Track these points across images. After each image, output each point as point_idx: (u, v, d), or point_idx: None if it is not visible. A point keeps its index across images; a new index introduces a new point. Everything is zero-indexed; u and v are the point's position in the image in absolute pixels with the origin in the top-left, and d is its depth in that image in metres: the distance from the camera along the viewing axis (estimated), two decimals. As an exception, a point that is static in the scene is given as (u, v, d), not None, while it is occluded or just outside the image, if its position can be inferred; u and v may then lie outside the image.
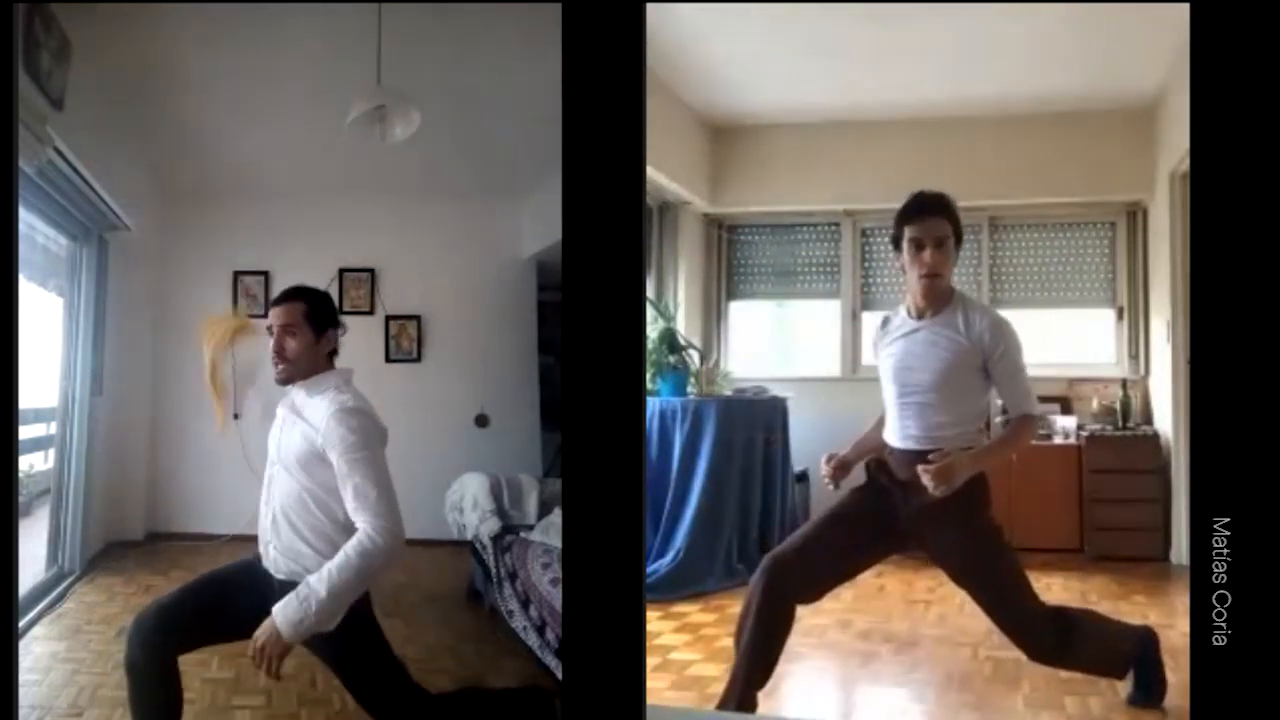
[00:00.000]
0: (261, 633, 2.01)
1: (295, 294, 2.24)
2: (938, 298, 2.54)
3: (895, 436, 2.57)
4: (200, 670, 2.82)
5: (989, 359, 2.49)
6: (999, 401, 2.65)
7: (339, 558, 2.02)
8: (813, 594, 2.58)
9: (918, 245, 2.50)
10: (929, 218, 2.50)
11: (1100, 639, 2.66)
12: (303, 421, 2.15)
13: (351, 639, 2.13)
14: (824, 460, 2.66)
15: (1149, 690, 2.66)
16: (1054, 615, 2.61)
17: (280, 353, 2.18)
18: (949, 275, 2.55)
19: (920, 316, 2.56)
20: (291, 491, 2.16)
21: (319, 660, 2.24)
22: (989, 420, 2.67)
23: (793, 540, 2.59)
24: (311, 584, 2.00)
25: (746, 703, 2.48)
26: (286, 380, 2.20)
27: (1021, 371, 2.53)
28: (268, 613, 2.06)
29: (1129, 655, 2.68)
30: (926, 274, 2.50)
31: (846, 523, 2.56)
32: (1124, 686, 2.73)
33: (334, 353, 2.26)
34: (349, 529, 2.08)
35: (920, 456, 2.47)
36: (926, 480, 2.37)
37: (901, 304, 2.65)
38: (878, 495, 2.56)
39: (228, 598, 2.20)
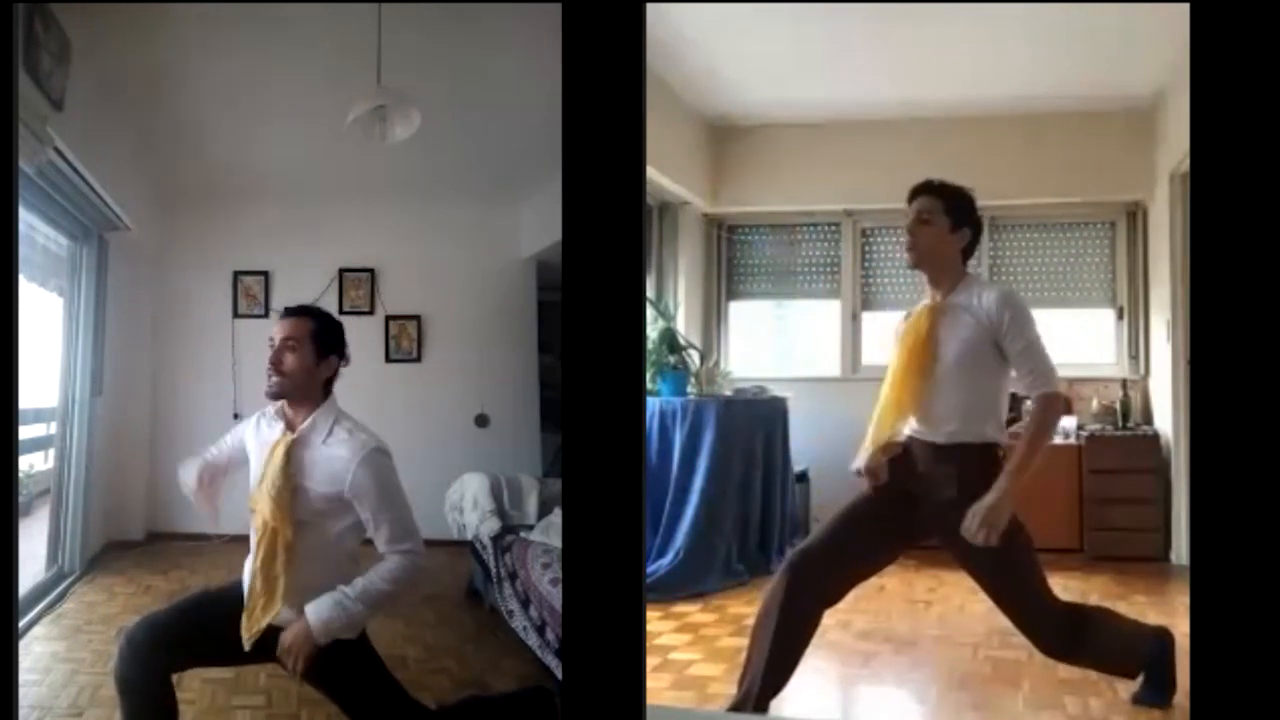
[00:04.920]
0: (291, 633, 2.02)
1: (304, 311, 2.20)
2: (938, 273, 2.54)
3: (911, 425, 2.54)
4: (200, 670, 2.81)
5: (999, 333, 2.44)
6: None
7: (383, 570, 2.06)
8: (835, 594, 2.54)
9: (908, 228, 2.55)
10: (917, 199, 2.56)
11: (1116, 638, 2.64)
12: (313, 480, 2.07)
13: (348, 667, 2.11)
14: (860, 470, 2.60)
15: (1160, 691, 2.63)
16: (1069, 611, 2.59)
17: (278, 365, 2.10)
18: (936, 248, 2.53)
19: (933, 300, 2.55)
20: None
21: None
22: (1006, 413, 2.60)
23: (814, 540, 2.55)
24: (347, 591, 2.03)
25: (763, 706, 2.42)
26: (278, 395, 2.12)
27: (1034, 344, 2.46)
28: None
29: (1144, 656, 2.65)
30: (908, 247, 2.54)
31: (866, 520, 2.53)
32: (1128, 685, 2.72)
33: (331, 380, 2.18)
34: (346, 581, 2.09)
35: (935, 447, 2.46)
36: (977, 539, 2.34)
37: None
38: (896, 490, 2.53)
39: (220, 618, 2.13)
